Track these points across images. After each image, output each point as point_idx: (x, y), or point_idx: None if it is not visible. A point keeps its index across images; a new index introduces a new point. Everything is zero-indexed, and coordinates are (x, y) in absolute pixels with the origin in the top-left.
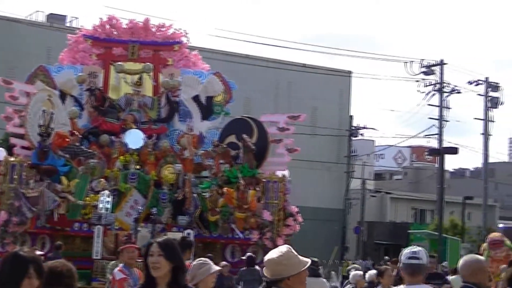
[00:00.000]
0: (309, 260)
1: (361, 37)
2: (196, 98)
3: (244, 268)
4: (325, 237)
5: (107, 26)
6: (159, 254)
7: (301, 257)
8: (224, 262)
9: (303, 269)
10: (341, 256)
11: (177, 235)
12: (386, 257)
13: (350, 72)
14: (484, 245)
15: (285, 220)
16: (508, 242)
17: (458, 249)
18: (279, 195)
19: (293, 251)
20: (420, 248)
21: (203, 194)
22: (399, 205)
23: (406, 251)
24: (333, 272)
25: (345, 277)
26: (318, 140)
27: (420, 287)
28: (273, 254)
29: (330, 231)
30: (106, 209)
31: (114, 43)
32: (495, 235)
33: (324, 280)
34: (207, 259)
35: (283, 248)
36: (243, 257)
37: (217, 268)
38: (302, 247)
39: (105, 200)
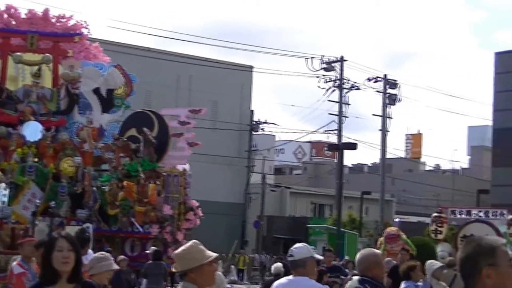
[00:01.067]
0: (214, 255)
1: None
2: (96, 91)
3: (149, 262)
4: (225, 231)
5: (5, 16)
6: (69, 249)
7: (207, 252)
8: (122, 256)
9: (205, 262)
10: (241, 249)
11: (76, 229)
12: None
13: (251, 67)
14: (381, 239)
15: (185, 214)
16: (404, 236)
17: (356, 243)
18: (179, 189)
19: (199, 245)
20: (300, 245)
21: (103, 187)
22: (299, 200)
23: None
24: (232, 266)
25: (240, 270)
26: (219, 135)
27: (299, 279)
28: (179, 248)
29: (230, 225)
30: (2, 202)
31: (12, 33)
32: (391, 229)
33: (219, 273)
34: (109, 255)
35: (189, 243)
36: (147, 251)
37: (116, 267)
38: (202, 241)
39: (1, 193)
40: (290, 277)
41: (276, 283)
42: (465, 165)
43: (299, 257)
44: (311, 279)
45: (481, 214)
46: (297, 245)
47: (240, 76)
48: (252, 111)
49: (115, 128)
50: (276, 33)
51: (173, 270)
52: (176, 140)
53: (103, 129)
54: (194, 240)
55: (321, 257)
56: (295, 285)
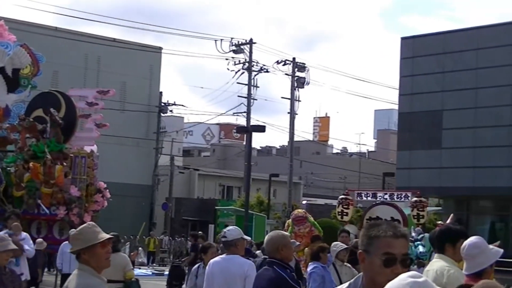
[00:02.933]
0: (107, 236)
1: (172, 14)
2: (1, 70)
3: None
4: (133, 213)
5: None
6: None
7: (102, 233)
8: (40, 239)
9: (96, 242)
10: (149, 232)
11: None
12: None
13: (160, 48)
14: (289, 221)
15: (92, 196)
16: (311, 218)
17: (264, 225)
18: (87, 171)
19: (95, 227)
20: (232, 228)
21: (8, 169)
22: (207, 182)
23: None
24: (140, 248)
25: (151, 252)
26: (127, 116)
27: (232, 257)
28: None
29: (138, 207)
30: None
31: None
32: (299, 211)
33: (124, 254)
34: (5, 236)
35: (84, 225)
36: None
37: (12, 247)
38: (110, 223)
39: None
40: (224, 255)
41: (212, 260)
42: (372, 148)
43: (231, 238)
44: (241, 257)
45: (387, 196)
46: (230, 227)
47: (149, 57)
48: (160, 92)
49: (21, 108)
50: (186, 15)
51: (69, 251)
52: (84, 121)
53: (8, 109)
54: (90, 222)
55: (249, 238)
56: (228, 262)
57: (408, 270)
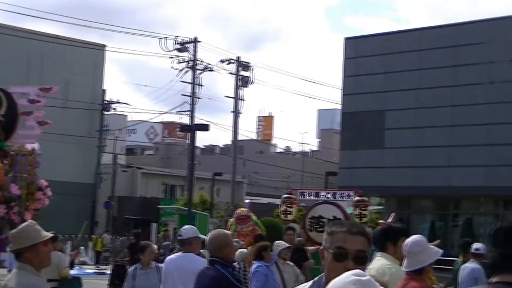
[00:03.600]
0: (49, 235)
1: (117, 11)
2: None
3: None
4: (75, 211)
5: None
6: None
7: (43, 232)
8: None
9: (39, 241)
10: (91, 231)
11: None
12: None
13: (104, 45)
14: (232, 220)
15: (34, 194)
16: (254, 217)
17: (207, 224)
18: (28, 169)
19: (36, 225)
20: (187, 227)
21: None
22: (150, 180)
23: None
24: (81, 247)
25: (99, 252)
26: (70, 114)
27: (187, 255)
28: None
29: (80, 206)
30: None
31: None
32: (242, 210)
33: (60, 253)
34: None
35: (25, 223)
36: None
37: None
38: (51, 222)
39: None
40: (179, 253)
41: (168, 258)
42: (315, 148)
43: (186, 237)
44: (196, 255)
45: (329, 195)
46: (185, 226)
47: (93, 54)
48: (104, 90)
49: None
50: (130, 12)
51: (9, 250)
52: (25, 119)
53: None
54: (30, 220)
55: (204, 237)
56: (183, 260)
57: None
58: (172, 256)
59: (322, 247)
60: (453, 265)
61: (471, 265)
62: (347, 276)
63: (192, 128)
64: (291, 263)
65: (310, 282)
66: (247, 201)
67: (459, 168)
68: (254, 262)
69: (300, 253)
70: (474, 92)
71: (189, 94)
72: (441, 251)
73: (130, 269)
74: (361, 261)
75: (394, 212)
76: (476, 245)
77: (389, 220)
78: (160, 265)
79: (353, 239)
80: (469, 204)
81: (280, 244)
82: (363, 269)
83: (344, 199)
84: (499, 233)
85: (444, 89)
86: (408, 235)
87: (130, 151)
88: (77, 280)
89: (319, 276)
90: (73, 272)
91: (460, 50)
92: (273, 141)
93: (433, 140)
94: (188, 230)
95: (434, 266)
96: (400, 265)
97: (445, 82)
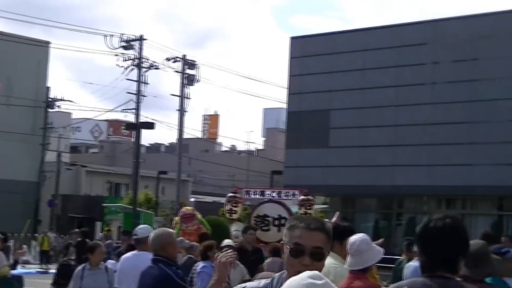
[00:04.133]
0: None
1: (61, 7)
2: None
3: None
4: (19, 209)
5: None
6: None
7: None
8: None
9: None
10: (34, 229)
11: None
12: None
13: (48, 42)
14: (177, 218)
15: None
16: (199, 216)
17: (152, 222)
18: None
19: None
20: (143, 226)
21: None
22: (95, 179)
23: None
24: (24, 246)
25: (45, 251)
26: (14, 111)
27: (142, 253)
28: None
29: (24, 204)
30: None
31: None
32: (187, 209)
33: (0, 253)
34: None
35: None
36: None
37: None
38: None
39: None
40: (135, 251)
41: (123, 257)
42: (260, 147)
43: (141, 236)
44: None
45: (274, 194)
46: (141, 226)
47: (36, 51)
48: (48, 87)
49: None
50: (75, 8)
51: None
52: None
53: None
54: None
55: None
56: (139, 259)
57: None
58: (128, 254)
59: (282, 242)
60: (397, 264)
61: (415, 263)
62: (303, 278)
63: (138, 126)
64: (237, 262)
65: (269, 279)
66: (192, 199)
67: (403, 168)
68: (201, 262)
69: (259, 254)
70: (418, 92)
71: (134, 92)
72: (382, 249)
73: (78, 268)
74: (318, 257)
75: (339, 211)
76: None
77: (334, 219)
78: (109, 266)
79: (310, 235)
80: (412, 203)
81: (225, 243)
82: (320, 266)
83: (289, 198)
84: (428, 231)
85: (388, 89)
86: (354, 234)
87: (74, 149)
88: (17, 279)
89: (282, 272)
90: (16, 271)
91: (403, 51)
92: (219, 140)
93: (377, 140)
94: (143, 229)
95: (378, 264)
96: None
97: (389, 82)
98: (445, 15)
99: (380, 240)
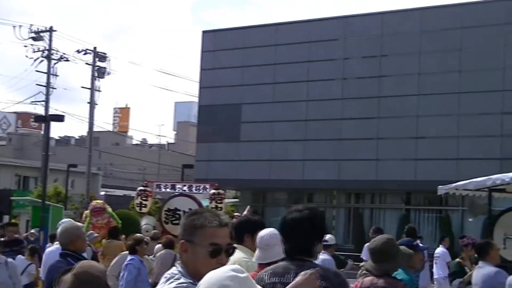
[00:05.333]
0: None
1: None
2: None
3: None
4: None
5: None
6: None
7: None
8: None
9: None
10: None
11: None
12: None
13: None
14: (86, 212)
15: None
16: (109, 209)
17: (61, 216)
18: None
19: None
20: (65, 220)
21: None
22: (3, 172)
23: None
24: None
25: None
26: None
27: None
28: None
29: None
30: None
31: None
32: (97, 202)
33: None
34: None
35: None
36: None
37: None
38: None
39: None
40: (58, 245)
41: (47, 250)
42: (172, 140)
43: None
44: None
45: (185, 188)
46: (64, 220)
47: None
48: None
49: None
50: None
51: None
52: None
53: None
54: None
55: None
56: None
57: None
58: (52, 248)
59: (183, 240)
60: None
61: (322, 256)
62: (226, 270)
63: (47, 119)
64: (146, 256)
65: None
66: (102, 193)
67: (313, 162)
68: (129, 256)
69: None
70: (328, 87)
71: (44, 84)
72: None
73: None
74: (231, 253)
75: (249, 204)
76: (325, 237)
77: (245, 212)
78: (9, 260)
79: (223, 232)
80: (322, 197)
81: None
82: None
83: (200, 191)
84: (287, 222)
85: (299, 83)
86: (265, 228)
87: None
88: None
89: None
90: None
91: (314, 46)
92: (129, 133)
93: (288, 134)
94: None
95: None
96: None
97: (300, 77)
98: (355, 12)
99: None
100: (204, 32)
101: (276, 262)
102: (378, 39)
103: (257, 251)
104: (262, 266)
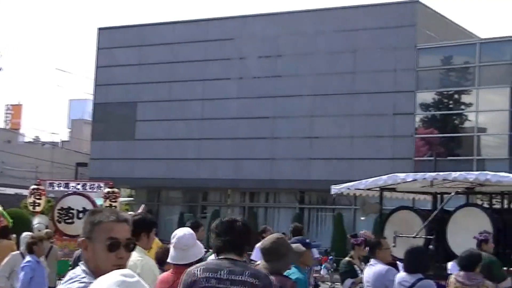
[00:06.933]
0: None
1: None
2: None
3: None
4: None
5: None
6: None
7: None
8: None
9: None
10: None
11: None
12: None
13: None
14: None
15: None
16: (0, 208)
17: None
18: None
19: None
20: None
21: None
22: None
23: None
24: None
25: None
26: None
27: None
28: None
29: None
30: None
31: None
32: None
33: None
34: None
35: None
36: None
37: None
38: None
39: None
40: None
41: None
42: (65, 138)
43: None
44: None
45: (79, 186)
46: None
47: None
48: None
49: None
50: None
51: None
52: None
53: None
54: None
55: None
56: None
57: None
58: None
59: (83, 238)
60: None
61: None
62: (115, 276)
63: None
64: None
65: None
66: None
67: (208, 161)
68: (28, 255)
69: None
70: (225, 86)
71: None
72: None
73: None
74: (131, 248)
75: (144, 203)
76: None
77: (139, 211)
78: None
79: (121, 227)
80: (217, 196)
81: (28, 236)
82: (130, 256)
83: (94, 190)
84: (222, 225)
85: (195, 83)
86: (157, 227)
87: None
88: None
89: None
90: None
91: (210, 45)
92: (22, 130)
93: (183, 133)
94: None
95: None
96: (151, 255)
97: (196, 76)
98: (252, 12)
99: None
100: (100, 29)
101: (191, 264)
102: (274, 39)
103: (172, 252)
104: (179, 267)
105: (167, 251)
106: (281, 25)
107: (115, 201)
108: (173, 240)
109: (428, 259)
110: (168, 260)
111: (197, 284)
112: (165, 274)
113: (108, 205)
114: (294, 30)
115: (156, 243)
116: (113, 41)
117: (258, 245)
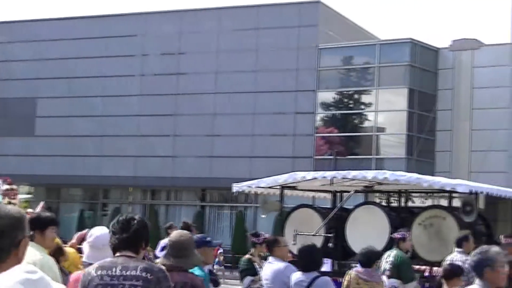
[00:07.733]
0: None
1: None
2: None
3: None
4: None
5: None
6: None
7: None
8: None
9: None
10: None
11: None
12: None
13: None
14: None
15: None
16: None
17: None
18: None
19: None
20: None
21: None
22: None
23: None
24: None
25: None
26: None
27: None
28: None
29: None
30: None
31: None
32: None
33: None
34: None
35: None
36: None
37: None
38: None
39: None
40: None
41: None
42: None
43: None
44: None
45: None
46: None
47: None
48: None
49: None
50: None
51: None
52: None
53: None
54: None
55: None
56: None
57: None
58: None
59: None
60: None
61: None
62: (18, 273)
63: None
64: None
65: None
66: None
67: (109, 158)
68: None
69: None
70: (126, 83)
71: None
72: None
73: None
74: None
75: (43, 200)
76: None
77: (38, 209)
78: None
79: None
80: (118, 193)
81: None
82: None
83: None
84: (118, 224)
85: (95, 79)
86: (57, 224)
87: None
88: None
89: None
90: None
91: (111, 42)
92: None
93: (84, 130)
94: None
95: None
96: (49, 254)
97: (96, 73)
98: (154, 9)
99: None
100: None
101: None
102: (176, 37)
103: (89, 251)
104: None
105: (59, 249)
106: (183, 22)
107: (14, 199)
108: (89, 239)
109: (321, 256)
110: (84, 259)
111: (92, 282)
112: (79, 272)
113: (6, 202)
114: (196, 28)
115: (57, 241)
116: (10, 36)
117: (162, 241)
